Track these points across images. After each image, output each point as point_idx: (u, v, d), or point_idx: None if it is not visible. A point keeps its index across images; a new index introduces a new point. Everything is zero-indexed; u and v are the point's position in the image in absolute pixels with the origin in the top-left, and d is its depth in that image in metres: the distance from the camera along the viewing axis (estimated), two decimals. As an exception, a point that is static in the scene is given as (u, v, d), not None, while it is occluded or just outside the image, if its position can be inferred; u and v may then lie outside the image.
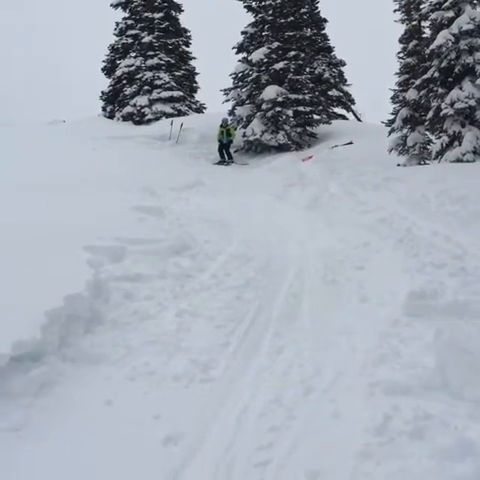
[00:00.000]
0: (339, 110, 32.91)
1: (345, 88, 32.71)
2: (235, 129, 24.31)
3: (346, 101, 32.80)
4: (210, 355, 5.71)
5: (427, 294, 6.18)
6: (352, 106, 33.54)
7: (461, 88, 15.61)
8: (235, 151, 23.95)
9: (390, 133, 18.59)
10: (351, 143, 22.27)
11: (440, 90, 16.14)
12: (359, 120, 33.30)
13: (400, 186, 12.98)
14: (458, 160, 15.25)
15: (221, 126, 23.64)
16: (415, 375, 4.82)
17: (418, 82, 17.06)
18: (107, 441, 4.43)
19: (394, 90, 21.29)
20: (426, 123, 17.07)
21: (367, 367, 5.16)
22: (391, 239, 9.06)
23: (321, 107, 27.38)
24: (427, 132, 18.09)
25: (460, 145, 15.58)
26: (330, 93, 31.44)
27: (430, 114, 16.48)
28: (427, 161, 17.65)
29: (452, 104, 15.55)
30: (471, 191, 10.56)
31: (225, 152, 23.55)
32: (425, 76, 16.74)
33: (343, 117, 32.98)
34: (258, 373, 5.40)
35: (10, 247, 7.05)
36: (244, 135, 24.25)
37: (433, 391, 4.60)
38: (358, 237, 9.50)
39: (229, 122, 24.41)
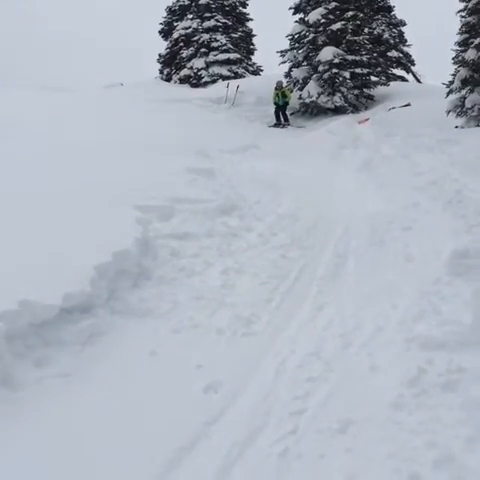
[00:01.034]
0: (398, 71, 32.19)
1: (405, 49, 31.99)
2: (291, 91, 23.87)
3: (406, 62, 32.10)
4: (253, 310, 5.88)
5: (470, 253, 6.19)
6: (412, 67, 32.81)
7: (521, 47, 15.18)
8: (291, 113, 23.79)
9: (448, 94, 18.20)
10: (409, 105, 21.89)
11: (500, 49, 15.73)
12: (419, 82, 32.59)
13: (455, 148, 12.78)
14: (516, 122, 14.92)
15: (276, 89, 23.07)
16: (451, 331, 4.88)
17: (478, 41, 16.63)
18: (150, 387, 4.66)
19: (455, 50, 20.82)
20: (485, 83, 16.67)
21: (405, 323, 5.24)
22: (440, 200, 9.00)
23: (379, 69, 26.91)
24: (486, 93, 17.65)
25: (519, 106, 15.22)
26: (389, 54, 30.80)
27: (489, 74, 16.09)
28: (486, 123, 17.27)
29: (512, 63, 15.16)
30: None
31: (281, 114, 22.99)
32: (485, 35, 16.32)
33: (402, 79, 32.26)
34: (299, 328, 5.55)
35: (64, 204, 7.34)
36: (300, 97, 24.08)
37: (468, 346, 4.66)
38: (408, 198, 9.47)
39: (284, 85, 23.87)
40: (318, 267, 6.97)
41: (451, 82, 18.42)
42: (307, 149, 16.44)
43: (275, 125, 22.78)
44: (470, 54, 17.09)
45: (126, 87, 30.32)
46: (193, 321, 5.66)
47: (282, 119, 23.05)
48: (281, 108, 23.02)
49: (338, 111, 23.89)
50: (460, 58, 18.09)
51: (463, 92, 17.65)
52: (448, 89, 18.55)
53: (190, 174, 10.46)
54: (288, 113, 23.32)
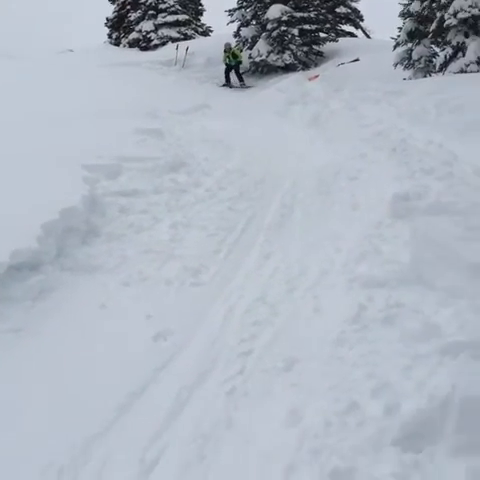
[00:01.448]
0: (347, 27, 32.22)
1: (353, 4, 31.91)
2: (241, 51, 23.70)
3: (354, 18, 32.08)
4: (201, 261, 5.99)
5: (411, 196, 6.36)
6: (361, 23, 32.83)
7: (464, -3, 15.31)
8: (242, 73, 23.74)
9: (395, 47, 18.31)
10: (358, 60, 21.98)
11: (443, 0, 15.84)
12: (368, 37, 32.63)
13: (401, 99, 12.92)
14: (462, 71, 15.08)
15: (225, 51, 22.77)
16: (391, 270, 5.05)
17: (422, -7, 16.75)
18: (101, 338, 4.77)
19: (403, 4, 20.90)
20: (430, 35, 16.81)
21: (348, 265, 5.40)
22: (386, 150, 9.16)
23: (328, 25, 26.88)
24: (432, 45, 17.82)
25: (464, 56, 15.37)
26: (338, 10, 30.73)
27: (433, 25, 16.19)
28: (432, 74, 17.45)
29: (455, 14, 15.25)
30: (468, 100, 10.54)
31: (236, 74, 22.77)
32: (428, -14, 16.43)
33: (352, 34, 32.29)
34: (246, 276, 5.68)
35: (12, 167, 7.30)
36: (250, 56, 23.96)
37: (407, 283, 4.83)
38: (355, 150, 9.61)
39: (233, 45, 23.60)
40: (265, 218, 7.10)
41: (399, 35, 18.53)
42: (257, 108, 16.48)
43: (224, 85, 22.61)
44: (415, 6, 17.21)
45: (76, 53, 29.84)
46: (142, 274, 5.74)
47: (236, 79, 22.84)
48: (234, 68, 22.76)
49: (288, 69, 23.86)
50: (406, 11, 18.19)
51: (409, 45, 17.79)
52: (395, 42, 18.67)
53: (139, 135, 10.43)
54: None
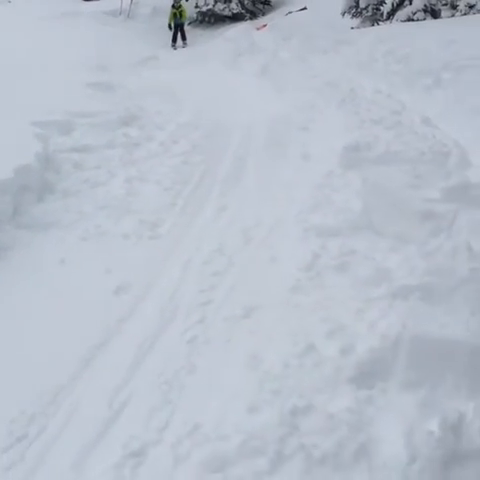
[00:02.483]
0: (295, -25, 31.98)
1: None
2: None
3: (301, -35, 31.85)
4: (158, 215, 6.08)
5: (360, 146, 6.53)
6: (308, -30, 32.58)
7: None
8: (188, 23, 23.40)
9: (342, -4, 18.33)
10: (305, 9, 21.90)
11: None
12: (315, -15, 32.45)
13: (349, 49, 12.99)
14: (409, 19, 15.20)
15: (173, 6, 21.34)
16: (344, 219, 5.23)
17: None
18: (62, 293, 4.87)
19: None
20: (377, -18, 16.85)
21: (302, 215, 5.55)
22: (335, 100, 9.28)
23: (275, -27, 26.66)
24: (380, -8, 17.86)
25: (411, 3, 15.48)
26: (284, -43, 30.45)
27: (380, -27, 16.27)
28: (380, 23, 17.53)
29: (402, -39, 15.35)
30: (415, 49, 10.68)
31: (180, 33, 21.33)
32: None
33: (299, -17, 32.09)
34: (202, 228, 5.81)
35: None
36: (196, 6, 23.65)
37: (359, 231, 5.02)
38: (304, 100, 9.69)
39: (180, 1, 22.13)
40: (219, 170, 7.19)
41: (347, -17, 18.50)
42: (206, 58, 16.37)
43: (173, 47, 21.13)
44: (362, -47, 17.18)
45: (14, 3, 28.92)
46: (100, 229, 5.82)
47: (180, 39, 21.67)
48: (179, 27, 21.54)
49: (236, 18, 23.63)
50: (353, -42, 18.14)
51: (357, -7, 17.80)
52: (342, -10, 18.63)
53: (88, 88, 10.34)
54: (186, 23, 22.73)
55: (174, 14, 21.25)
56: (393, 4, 15.92)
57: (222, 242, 5.45)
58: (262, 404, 3.39)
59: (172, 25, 21.30)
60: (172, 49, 20.58)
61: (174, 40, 21.08)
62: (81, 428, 3.52)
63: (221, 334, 4.21)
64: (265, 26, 21.03)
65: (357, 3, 17.75)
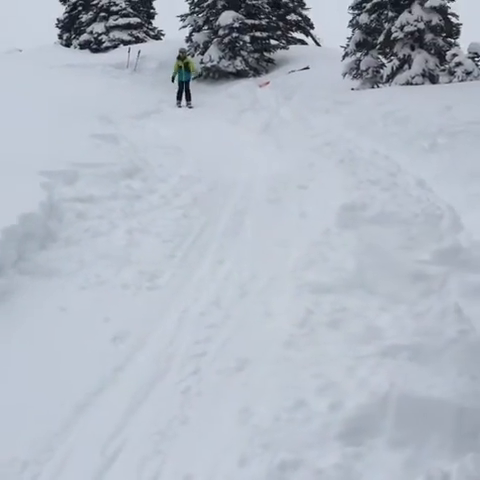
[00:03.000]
0: (298, 35, 32.67)
1: (304, 12, 32.41)
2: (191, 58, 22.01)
3: (305, 26, 32.55)
4: (157, 266, 6.21)
5: (357, 206, 6.72)
6: (311, 31, 33.34)
7: (410, 11, 15.87)
8: (193, 78, 23.91)
9: (344, 57, 18.83)
10: (308, 68, 22.44)
11: (390, 14, 16.39)
12: (318, 45, 33.16)
13: (349, 109, 13.37)
14: (408, 83, 15.66)
15: (178, 58, 19.99)
16: (338, 276, 5.37)
17: (369, 6, 17.27)
18: (60, 339, 4.95)
19: (351, 13, 21.40)
20: (378, 47, 17.35)
21: (297, 271, 5.70)
22: (333, 160, 9.54)
23: (279, 32, 27.32)
24: (380, 56, 18.36)
25: (410, 68, 15.98)
26: (289, 17, 31.15)
27: (381, 38, 16.77)
28: (380, 85, 17.98)
29: (402, 27, 15.85)
30: (413, 112, 11.01)
31: (185, 92, 19.69)
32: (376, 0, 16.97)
33: (302, 42, 32.79)
34: (200, 280, 5.94)
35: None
36: (202, 62, 24.20)
37: (352, 289, 5.16)
38: (304, 159, 9.95)
39: (187, 50, 22.03)
40: (218, 224, 7.36)
41: (348, 44, 19.01)
42: (209, 113, 16.76)
43: (178, 105, 19.66)
44: (363, 18, 17.74)
45: (25, 53, 29.59)
46: (99, 278, 5.94)
47: (183, 99, 19.90)
48: (184, 84, 19.81)
49: (240, 75, 24.18)
50: (354, 22, 18.70)
51: (358, 55, 18.30)
52: (344, 52, 19.15)
53: (94, 139, 10.59)
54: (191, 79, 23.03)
55: (179, 67, 19.86)
56: (393, 68, 16.40)
57: (219, 295, 5.58)
58: (252, 457, 3.47)
59: (176, 79, 19.94)
60: (177, 105, 19.92)
61: (179, 98, 19.77)
62: (74, 476, 3.56)
63: (214, 386, 4.29)
64: (268, 83, 21.51)
65: (358, 65, 18.25)
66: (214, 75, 24.40)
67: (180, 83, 19.74)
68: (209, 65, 24.00)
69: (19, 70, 20.40)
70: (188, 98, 19.69)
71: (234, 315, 5.23)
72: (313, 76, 20.11)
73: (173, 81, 19.91)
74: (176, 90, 19.76)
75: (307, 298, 5.16)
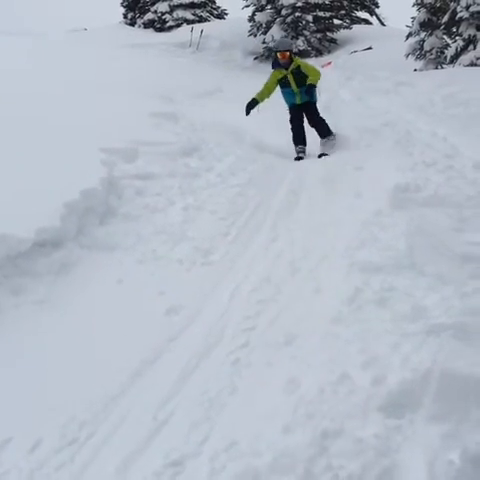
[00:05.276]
0: (362, 14, 32.25)
1: (369, -9, 32.02)
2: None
3: (370, 4, 32.12)
4: (211, 243, 6.41)
5: (410, 188, 6.73)
6: (376, 9, 32.88)
7: (477, -10, 15.56)
8: (255, 58, 23.85)
9: (407, 37, 18.61)
10: (370, 48, 22.24)
11: (455, -7, 16.11)
12: (382, 24, 32.72)
13: (410, 90, 13.24)
14: (472, 64, 15.40)
15: (277, 64, 10.25)
16: (388, 256, 5.42)
17: (435, -16, 17.02)
18: (117, 311, 5.21)
19: (416, -7, 21.10)
20: (442, 27, 17.08)
21: (348, 250, 5.77)
22: (391, 141, 9.49)
23: (343, 11, 27.10)
24: (444, 36, 18.07)
25: (474, 49, 15.69)
26: (353, -4, 30.85)
27: (446, 17, 16.50)
28: (443, 66, 17.72)
29: (468, 7, 15.54)
30: (476, 94, 10.86)
31: (313, 124, 10.28)
32: (442, -22, 16.70)
33: (366, 21, 32.36)
34: (252, 257, 6.08)
35: (33, 147, 7.69)
36: (264, 42, 24.24)
37: (401, 269, 5.20)
38: (361, 140, 9.93)
39: (291, 43, 12.08)
40: (272, 203, 7.47)
41: (412, 25, 18.77)
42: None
43: (299, 153, 10.21)
44: (428, -4, 17.45)
45: (90, 32, 30.08)
46: (156, 253, 6.17)
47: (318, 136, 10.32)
48: (306, 109, 10.31)
49: (302, 55, 24.04)
50: (419, 1, 18.42)
51: (422, 35, 18.05)
52: (408, 32, 18.91)
53: (154, 118, 10.84)
54: (252, 61, 22.92)
55: (280, 80, 10.12)
56: (457, 49, 16.13)
57: (270, 272, 5.71)
58: (296, 426, 3.60)
59: (263, 99, 10.52)
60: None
61: (298, 140, 10.25)
62: (127, 436, 3.78)
63: (263, 358, 4.44)
64: (329, 64, 21.41)
65: (421, 46, 18.00)
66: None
67: (294, 110, 10.33)
68: (271, 45, 23.97)
69: (85, 50, 20.78)
70: (324, 132, 10.23)
71: (285, 291, 5.35)
72: (375, 56, 19.94)
73: (249, 110, 10.47)
74: (291, 131, 10.35)
75: (357, 277, 5.24)
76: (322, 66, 21.26)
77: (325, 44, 25.17)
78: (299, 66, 9.91)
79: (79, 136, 8.51)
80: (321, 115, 10.32)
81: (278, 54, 9.96)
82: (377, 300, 4.83)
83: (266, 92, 10.31)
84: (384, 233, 5.94)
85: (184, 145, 9.36)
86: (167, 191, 7.69)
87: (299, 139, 10.20)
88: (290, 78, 9.90)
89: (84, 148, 8.03)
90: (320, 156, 9.70)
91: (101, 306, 5.28)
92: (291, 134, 10.28)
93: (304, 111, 10.20)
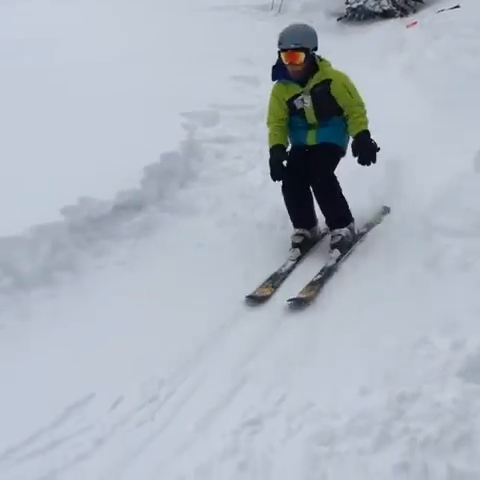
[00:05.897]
0: (450, -29, 31.12)
1: None
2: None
3: (458, -39, 30.95)
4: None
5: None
6: (465, -34, 31.62)
7: None
8: (338, 19, 23.30)
9: (498, -6, 17.83)
10: (458, 7, 21.40)
11: None
12: (472, -19, 31.47)
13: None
14: None
15: (279, 74, 5.81)
16: (470, 220, 5.27)
17: None
18: (197, 273, 5.31)
19: None
20: None
21: (429, 212, 5.63)
22: (477, 102, 9.15)
23: (430, -32, 26.18)
24: None
25: None
26: (441, -47, 29.75)
27: None
28: None
29: None
30: None
31: (315, 185, 5.56)
32: None
33: (455, -21, 31.19)
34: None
35: (113, 111, 7.80)
36: (347, 2, 23.65)
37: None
38: (445, 102, 9.59)
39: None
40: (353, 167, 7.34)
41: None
42: (353, 55, 16.31)
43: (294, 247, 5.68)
44: None
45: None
46: (236, 217, 6.21)
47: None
48: (315, 156, 5.66)
49: (386, 15, 23.37)
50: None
51: (515, -9, 17.27)
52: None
53: (235, 81, 10.75)
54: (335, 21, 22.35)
55: (288, 103, 5.78)
56: None
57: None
58: (373, 388, 3.61)
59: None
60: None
61: (298, 222, 5.75)
62: (206, 395, 3.85)
63: (340, 322, 4.48)
64: (415, 24, 20.72)
65: (514, 2, 17.20)
66: (359, 16, 23.77)
67: (296, 156, 5.78)
68: (355, 5, 23.32)
69: (162, 12, 20.51)
70: (332, 213, 5.68)
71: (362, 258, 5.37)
72: (465, 15, 19.14)
73: (280, 163, 5.74)
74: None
75: (437, 240, 5.16)
76: (407, 26, 20.66)
77: (410, 3, 24.29)
78: (329, 81, 5.60)
79: (159, 100, 8.54)
80: (334, 172, 5.63)
81: (282, 55, 5.58)
82: (458, 265, 4.77)
83: (284, 126, 5.88)
84: (466, 196, 5.72)
85: (264, 108, 9.27)
86: (247, 154, 7.69)
87: (300, 216, 5.80)
88: (307, 102, 5.62)
89: (164, 112, 8.04)
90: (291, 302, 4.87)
91: (181, 268, 5.35)
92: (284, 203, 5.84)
93: (311, 159, 5.61)
